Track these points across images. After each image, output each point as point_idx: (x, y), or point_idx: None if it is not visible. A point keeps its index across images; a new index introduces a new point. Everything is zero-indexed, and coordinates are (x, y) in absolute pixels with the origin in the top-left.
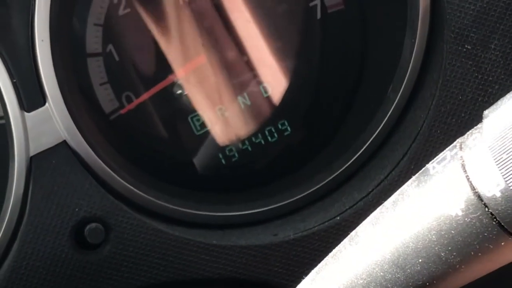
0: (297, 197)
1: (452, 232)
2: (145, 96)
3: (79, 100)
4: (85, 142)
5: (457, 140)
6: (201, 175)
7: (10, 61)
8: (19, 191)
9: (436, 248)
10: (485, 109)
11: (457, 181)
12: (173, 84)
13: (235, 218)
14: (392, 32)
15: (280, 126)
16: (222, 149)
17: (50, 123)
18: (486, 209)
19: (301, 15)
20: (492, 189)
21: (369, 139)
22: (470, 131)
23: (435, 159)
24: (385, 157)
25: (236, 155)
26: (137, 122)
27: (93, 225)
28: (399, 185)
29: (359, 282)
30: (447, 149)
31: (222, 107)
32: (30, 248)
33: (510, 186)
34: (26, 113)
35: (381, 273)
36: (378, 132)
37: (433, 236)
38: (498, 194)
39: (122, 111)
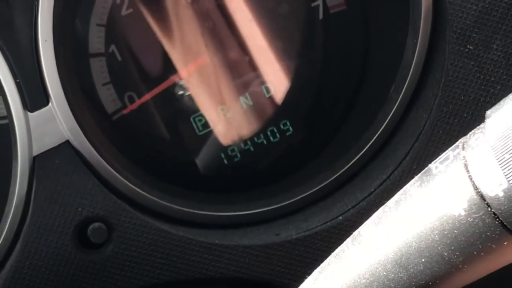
0: (299, 197)
1: (455, 231)
2: (147, 96)
3: (82, 100)
4: (88, 142)
5: (460, 140)
6: (203, 175)
7: (13, 61)
8: (22, 191)
9: (439, 247)
10: (487, 109)
11: (459, 181)
12: (176, 85)
13: (238, 218)
14: (394, 32)
15: (282, 126)
16: (224, 149)
17: (53, 123)
18: (489, 209)
19: (303, 15)
20: (494, 188)
21: (371, 139)
22: (473, 131)
23: (437, 159)
24: (388, 157)
25: (238, 155)
26: (139, 122)
27: (96, 224)
28: (401, 185)
29: (362, 282)
30: (449, 149)
31: (224, 107)
32: (33, 247)
33: None
34: (29, 113)
35: (384, 273)
36: (381, 132)
37: (436, 236)
38: (501, 194)
39: (125, 111)
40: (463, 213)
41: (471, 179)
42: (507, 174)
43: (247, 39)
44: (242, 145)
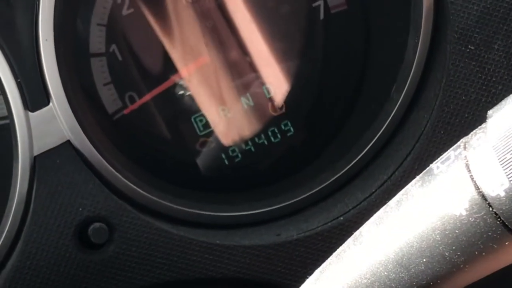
0: (300, 198)
1: (456, 231)
2: (148, 96)
3: (83, 100)
4: (88, 142)
5: (461, 140)
6: (204, 175)
7: (14, 60)
8: (23, 190)
9: (440, 247)
10: (488, 110)
11: (461, 181)
12: (176, 85)
13: (238, 218)
14: (396, 32)
15: (283, 127)
16: (225, 149)
17: (54, 123)
18: (490, 209)
19: (304, 15)
20: (496, 188)
21: (372, 139)
22: (474, 131)
23: (439, 158)
24: (389, 157)
25: (239, 155)
26: (140, 122)
27: (97, 224)
28: (402, 185)
29: (363, 282)
30: (451, 148)
31: (225, 108)
32: (34, 247)
33: None
34: (30, 113)
35: (385, 273)
36: (382, 132)
37: (437, 236)
38: (502, 194)
39: (125, 111)
40: (464, 213)
41: (472, 179)
42: (509, 174)
43: (247, 39)
44: (243, 146)
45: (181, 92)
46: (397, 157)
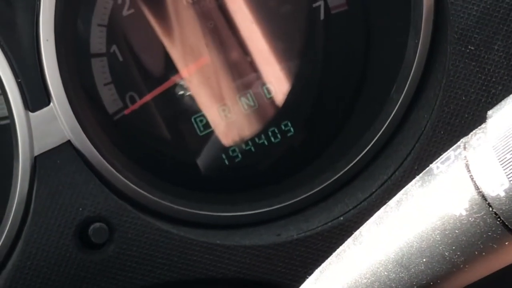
0: (300, 198)
1: (456, 231)
2: (148, 96)
3: (83, 100)
4: (89, 142)
5: (461, 140)
6: (205, 175)
7: (15, 60)
8: (24, 191)
9: (440, 247)
10: (488, 110)
11: (461, 181)
12: (177, 85)
13: (238, 218)
14: (396, 32)
15: (283, 127)
16: (225, 150)
17: (54, 123)
18: (490, 209)
19: (305, 16)
20: (496, 188)
21: (372, 140)
22: (474, 131)
23: (439, 159)
24: (389, 157)
25: (239, 156)
26: (140, 122)
27: (97, 224)
28: (402, 186)
29: (363, 282)
30: (451, 149)
31: (225, 108)
32: (34, 247)
33: None
34: (30, 113)
35: (385, 273)
36: (382, 133)
37: (437, 236)
38: (502, 194)
39: (126, 112)
40: (464, 213)
41: (472, 179)
42: (509, 174)
43: (248, 39)
44: (243, 146)
45: (182, 92)
46: (397, 157)
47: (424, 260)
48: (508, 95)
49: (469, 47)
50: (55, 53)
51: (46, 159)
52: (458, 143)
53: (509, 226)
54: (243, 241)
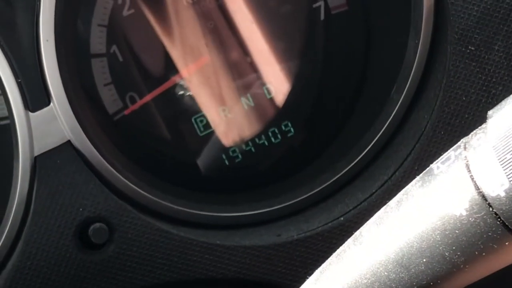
0: (300, 198)
1: (456, 232)
2: (148, 97)
3: (83, 100)
4: (89, 142)
5: (461, 140)
6: (205, 175)
7: (15, 61)
8: (24, 191)
9: (440, 248)
10: (488, 110)
11: (461, 181)
12: (177, 85)
13: (239, 218)
14: (396, 33)
15: (283, 127)
16: (225, 150)
17: (54, 123)
18: (490, 209)
19: (305, 16)
20: (496, 189)
21: (372, 140)
22: (474, 131)
23: (439, 159)
24: (389, 157)
25: (240, 156)
26: (141, 122)
27: (97, 225)
28: (402, 186)
29: (363, 282)
30: (451, 149)
31: (225, 108)
32: (34, 248)
33: None
34: (30, 113)
35: (385, 273)
36: (382, 133)
37: (437, 236)
38: (502, 194)
39: (126, 112)
40: (464, 213)
41: (472, 179)
42: (509, 174)
43: (248, 39)
44: (244, 146)
45: (182, 92)
46: (398, 158)
47: (424, 260)
48: (509, 95)
49: (470, 47)
50: (55, 53)
51: (46, 159)
52: (459, 143)
53: (509, 226)
54: (243, 241)
